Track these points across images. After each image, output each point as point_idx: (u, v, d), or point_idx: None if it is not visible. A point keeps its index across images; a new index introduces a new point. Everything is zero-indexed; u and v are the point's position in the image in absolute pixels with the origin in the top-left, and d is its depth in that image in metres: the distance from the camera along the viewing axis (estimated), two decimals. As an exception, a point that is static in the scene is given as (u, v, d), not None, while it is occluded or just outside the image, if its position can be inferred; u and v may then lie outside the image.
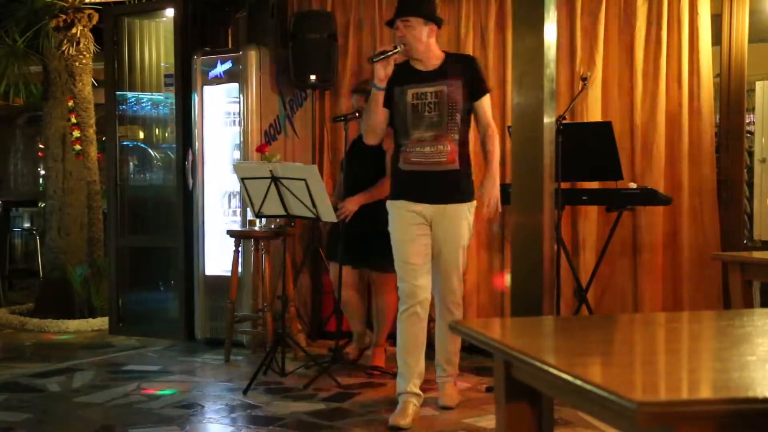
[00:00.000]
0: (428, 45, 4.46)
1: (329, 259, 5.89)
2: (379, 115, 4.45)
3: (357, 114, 5.46)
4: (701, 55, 5.69)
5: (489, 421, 4.42)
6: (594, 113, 5.87)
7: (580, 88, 5.49)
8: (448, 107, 4.37)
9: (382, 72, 4.32)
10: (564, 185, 5.14)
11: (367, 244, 5.49)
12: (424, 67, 4.48)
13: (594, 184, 5.70)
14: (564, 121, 5.03)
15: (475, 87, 4.48)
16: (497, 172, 4.52)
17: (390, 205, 4.56)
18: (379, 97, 4.41)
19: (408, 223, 4.45)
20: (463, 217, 4.47)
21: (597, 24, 5.92)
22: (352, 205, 5.46)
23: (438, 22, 4.50)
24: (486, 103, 4.52)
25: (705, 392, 1.65)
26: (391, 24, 4.53)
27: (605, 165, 5.28)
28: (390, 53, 4.31)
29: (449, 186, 4.43)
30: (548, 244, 2.79)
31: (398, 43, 4.39)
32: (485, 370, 5.38)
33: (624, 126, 5.80)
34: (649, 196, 5.33)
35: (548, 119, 2.86)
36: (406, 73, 4.46)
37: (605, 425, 3.94)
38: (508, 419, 2.07)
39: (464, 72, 4.46)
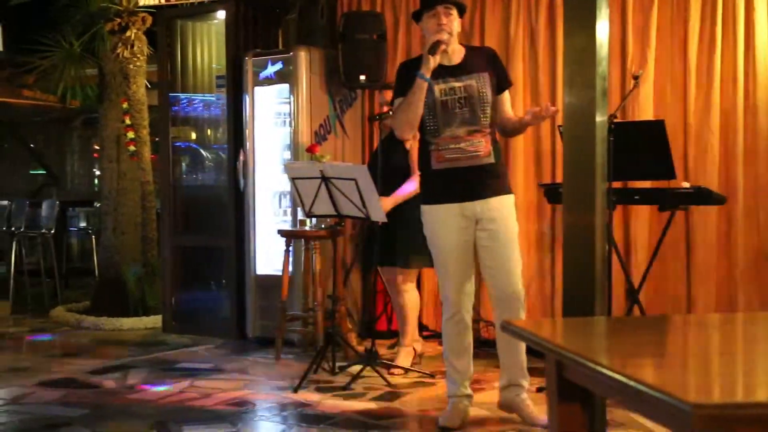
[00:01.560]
0: (455, 38, 4.35)
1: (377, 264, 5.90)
2: (422, 107, 4.25)
3: (390, 113, 5.50)
4: (757, 52, 5.57)
5: (540, 421, 4.38)
6: (646, 112, 5.80)
7: (631, 86, 5.42)
8: (479, 101, 4.24)
9: (434, 62, 4.17)
10: (615, 184, 5.07)
11: (392, 242, 5.51)
12: (449, 62, 4.31)
13: (646, 184, 5.62)
14: (615, 120, 4.97)
15: (501, 80, 4.37)
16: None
17: (428, 210, 4.39)
18: (425, 87, 4.21)
19: (451, 228, 4.28)
20: (510, 209, 4.33)
21: (649, 21, 5.84)
22: (388, 204, 5.44)
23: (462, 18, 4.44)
24: (508, 95, 4.43)
25: (761, 395, 1.62)
26: (418, 15, 4.35)
27: (657, 164, 5.20)
28: (442, 43, 4.18)
29: (490, 179, 4.27)
30: (600, 243, 2.77)
31: (441, 31, 4.20)
32: (535, 370, 5.33)
33: (677, 125, 5.72)
34: (702, 196, 5.24)
35: (600, 118, 2.84)
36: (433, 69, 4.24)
37: (658, 427, 3.90)
38: (560, 420, 2.06)
39: (489, 65, 4.33)
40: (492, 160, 4.28)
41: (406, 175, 5.56)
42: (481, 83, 4.26)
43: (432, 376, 5.40)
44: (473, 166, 4.26)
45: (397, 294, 5.66)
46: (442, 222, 4.32)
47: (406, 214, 5.42)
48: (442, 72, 4.27)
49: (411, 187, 5.50)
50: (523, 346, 4.28)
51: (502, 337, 4.33)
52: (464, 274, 4.35)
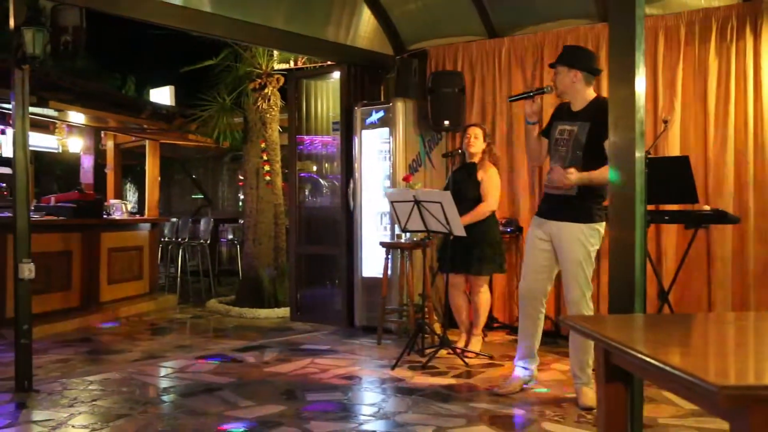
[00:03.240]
0: (573, 88, 4.11)
1: (440, 271, 5.84)
2: (533, 144, 4.25)
3: (459, 150, 5.71)
4: (764, 101, 5.38)
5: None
6: (674, 149, 5.65)
7: (662, 129, 5.30)
8: (573, 145, 4.10)
9: (529, 109, 4.14)
10: (650, 207, 4.95)
11: (467, 254, 5.46)
12: (574, 108, 4.16)
13: (674, 207, 5.47)
14: (650, 156, 4.85)
15: (600, 131, 3.75)
16: (586, 176, 3.99)
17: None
18: (531, 130, 4.18)
19: (532, 236, 4.31)
20: (577, 235, 4.10)
21: (675, 77, 5.70)
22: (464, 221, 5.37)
23: (584, 70, 4.09)
24: (606, 146, 4.07)
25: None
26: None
27: (683, 191, 5.06)
28: (532, 93, 4.14)
29: (564, 207, 4.14)
30: (639, 254, 2.72)
31: (549, 85, 4.21)
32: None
33: (699, 159, 5.55)
34: (720, 217, 5.08)
35: (638, 154, 2.79)
36: (562, 111, 4.23)
37: (685, 402, 3.79)
38: (606, 396, 2.03)
39: (594, 116, 3.97)
40: (573, 192, 4.11)
41: (473, 199, 5.52)
42: (580, 130, 4.08)
43: (492, 358, 5.38)
44: (555, 194, 4.19)
45: (473, 294, 5.62)
46: (532, 230, 4.35)
47: (479, 232, 5.39)
48: (565, 115, 4.20)
49: (482, 210, 5.46)
50: (587, 346, 4.06)
51: (570, 338, 4.28)
52: (535, 272, 4.29)
